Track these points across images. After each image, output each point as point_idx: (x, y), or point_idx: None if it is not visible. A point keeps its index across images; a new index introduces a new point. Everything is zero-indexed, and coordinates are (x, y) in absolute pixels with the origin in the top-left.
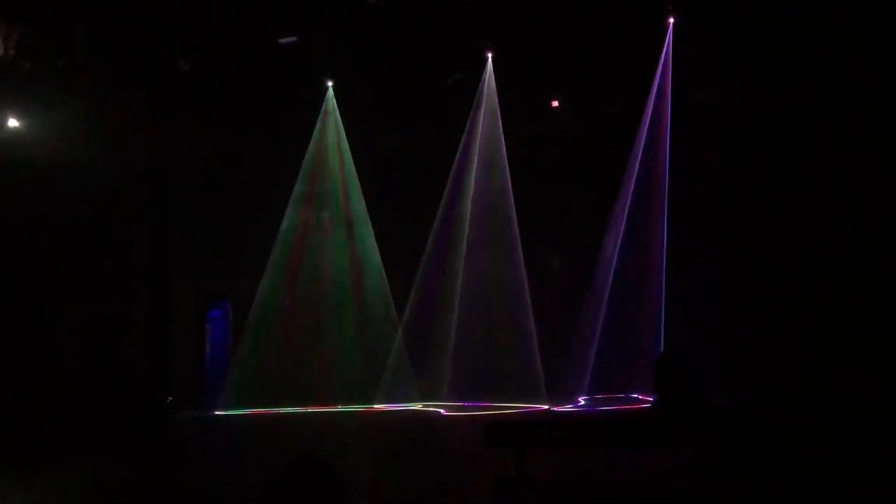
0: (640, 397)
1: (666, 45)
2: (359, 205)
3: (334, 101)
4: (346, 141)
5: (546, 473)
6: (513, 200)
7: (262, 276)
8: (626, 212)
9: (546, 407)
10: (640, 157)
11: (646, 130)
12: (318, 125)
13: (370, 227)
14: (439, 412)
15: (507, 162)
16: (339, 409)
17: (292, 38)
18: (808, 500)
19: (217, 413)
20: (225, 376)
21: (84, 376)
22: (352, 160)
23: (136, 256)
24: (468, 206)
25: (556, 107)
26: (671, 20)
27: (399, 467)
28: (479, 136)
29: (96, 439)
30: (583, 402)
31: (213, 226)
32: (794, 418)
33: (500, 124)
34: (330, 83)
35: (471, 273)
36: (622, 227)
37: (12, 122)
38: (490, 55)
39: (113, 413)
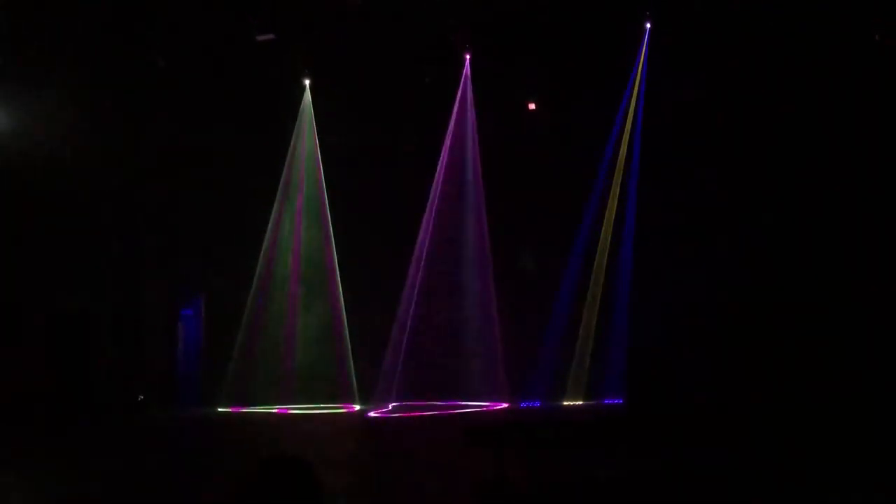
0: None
1: (643, 49)
2: (325, 204)
3: (310, 100)
4: (317, 140)
5: (524, 473)
6: (483, 200)
7: (237, 274)
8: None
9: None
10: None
11: (619, 133)
12: (297, 124)
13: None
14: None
15: (479, 162)
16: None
17: (270, 36)
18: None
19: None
20: (197, 375)
21: (52, 373)
22: (319, 159)
23: (108, 252)
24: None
25: (532, 109)
26: (648, 25)
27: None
28: (454, 136)
29: (66, 438)
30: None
31: (187, 222)
32: (768, 416)
33: (475, 125)
34: (307, 82)
35: (437, 271)
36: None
37: None
38: (468, 56)
39: (83, 411)
